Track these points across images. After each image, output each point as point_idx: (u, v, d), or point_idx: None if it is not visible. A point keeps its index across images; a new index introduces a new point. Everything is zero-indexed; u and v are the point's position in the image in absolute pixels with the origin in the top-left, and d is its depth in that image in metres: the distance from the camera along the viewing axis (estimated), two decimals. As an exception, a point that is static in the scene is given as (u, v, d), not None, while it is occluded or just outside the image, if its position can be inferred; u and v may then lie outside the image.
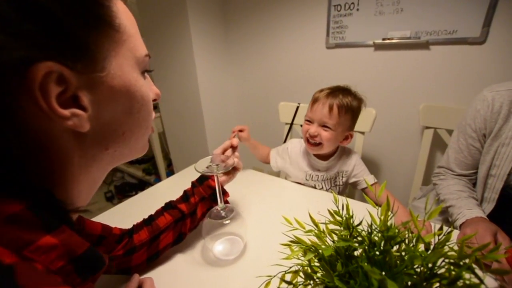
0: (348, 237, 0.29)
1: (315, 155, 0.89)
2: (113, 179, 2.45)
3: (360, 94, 0.81)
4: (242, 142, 0.93)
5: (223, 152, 0.65)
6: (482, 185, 0.68)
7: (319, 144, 0.81)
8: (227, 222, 0.59)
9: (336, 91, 0.79)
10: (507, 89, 0.63)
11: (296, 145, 0.96)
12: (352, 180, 0.90)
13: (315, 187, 0.91)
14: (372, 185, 0.86)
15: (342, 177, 0.90)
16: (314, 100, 0.81)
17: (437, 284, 0.26)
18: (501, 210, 0.66)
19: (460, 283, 0.25)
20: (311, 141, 0.82)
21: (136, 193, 0.91)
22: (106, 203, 2.18)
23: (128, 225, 0.70)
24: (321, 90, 0.81)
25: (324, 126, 0.79)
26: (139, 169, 2.32)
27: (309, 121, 0.82)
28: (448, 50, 0.99)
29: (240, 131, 0.93)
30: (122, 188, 2.27)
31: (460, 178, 0.74)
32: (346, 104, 0.76)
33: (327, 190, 0.92)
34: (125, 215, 0.76)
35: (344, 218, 0.31)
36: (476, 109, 0.67)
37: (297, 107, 1.21)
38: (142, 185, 2.32)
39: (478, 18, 0.90)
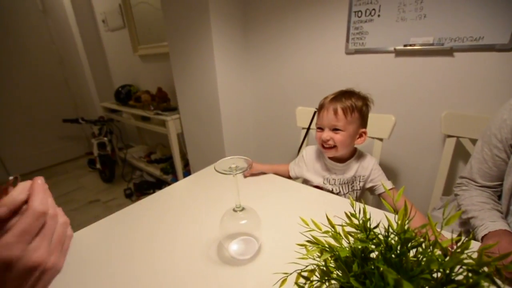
0: (365, 239, 0.30)
1: (331, 158, 0.90)
2: (133, 177, 2.55)
3: (364, 94, 0.85)
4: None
5: None
6: (507, 197, 0.66)
7: (334, 147, 0.84)
8: (243, 222, 0.60)
9: (338, 95, 0.84)
10: None
11: (311, 151, 0.98)
12: (369, 185, 0.90)
13: (332, 191, 0.91)
14: (389, 190, 0.85)
15: (360, 181, 0.90)
16: (320, 108, 0.87)
17: (454, 291, 0.27)
18: None
19: (478, 290, 0.25)
20: (326, 146, 0.85)
21: (154, 191, 0.95)
22: (125, 200, 2.27)
23: (145, 222, 0.74)
24: (326, 98, 0.87)
25: (334, 129, 0.83)
26: (157, 168, 2.40)
27: (320, 128, 0.87)
28: (474, 57, 0.96)
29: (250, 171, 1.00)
30: (140, 186, 2.36)
31: (483, 189, 0.71)
32: (350, 105, 0.81)
33: (344, 194, 0.91)
34: (142, 212, 0.80)
35: (361, 221, 0.32)
36: (503, 118, 0.65)
37: (315, 112, 1.21)
38: (159, 184, 2.39)
39: (507, 24, 0.87)
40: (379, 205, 0.99)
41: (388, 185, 0.86)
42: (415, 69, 1.10)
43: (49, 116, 2.95)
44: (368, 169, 0.89)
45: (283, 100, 1.60)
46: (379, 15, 1.11)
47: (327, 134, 0.84)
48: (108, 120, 2.62)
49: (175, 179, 2.19)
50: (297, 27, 1.38)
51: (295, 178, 1.04)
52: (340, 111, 0.81)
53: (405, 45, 1.08)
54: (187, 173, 2.13)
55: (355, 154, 0.91)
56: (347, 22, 1.20)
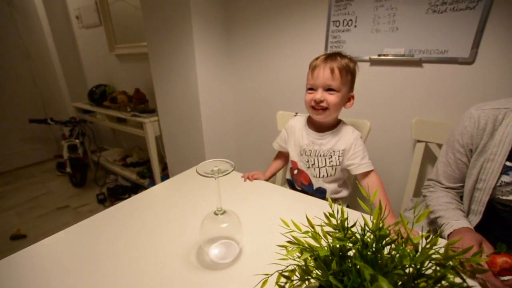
0: (343, 237, 0.31)
1: (312, 128, 0.90)
2: (106, 181, 2.43)
3: (352, 57, 0.83)
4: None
5: None
6: (468, 198, 0.71)
7: (326, 109, 0.81)
8: (224, 225, 0.60)
9: (332, 54, 0.81)
10: (492, 108, 0.66)
11: (295, 121, 0.97)
12: (347, 162, 0.87)
13: (308, 163, 0.90)
14: (368, 172, 0.85)
15: (338, 156, 0.87)
16: (313, 68, 0.81)
17: (424, 284, 0.28)
18: (487, 222, 0.69)
19: (445, 282, 0.27)
20: (317, 107, 0.81)
21: (129, 196, 0.91)
22: (97, 205, 2.15)
23: (119, 229, 0.71)
24: (317, 58, 0.82)
25: (328, 90, 0.79)
26: (133, 172, 2.31)
27: (312, 89, 0.82)
28: (440, 68, 1.04)
29: (254, 177, 0.98)
30: (115, 191, 2.25)
31: (448, 190, 0.77)
32: (346, 64, 0.79)
33: (319, 168, 0.89)
34: (116, 218, 0.77)
35: (339, 220, 0.33)
36: (464, 125, 0.71)
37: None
38: (135, 188, 2.30)
39: (468, 40, 0.95)
40: (357, 207, 1.03)
41: (365, 166, 0.84)
42: (388, 78, 1.17)
43: (13, 116, 2.73)
44: (347, 143, 0.85)
45: (264, 104, 1.62)
46: (355, 26, 1.17)
47: (321, 95, 0.79)
48: (81, 121, 2.48)
49: (152, 183, 2.11)
50: (279, 34, 1.41)
51: (277, 148, 1.05)
52: (336, 70, 0.77)
53: (379, 55, 1.14)
54: (165, 177, 2.07)
55: (337, 126, 0.88)
56: (326, 31, 1.25)
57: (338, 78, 0.78)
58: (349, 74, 0.80)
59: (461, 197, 0.76)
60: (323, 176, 0.91)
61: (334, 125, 0.89)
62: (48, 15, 2.52)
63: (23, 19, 2.65)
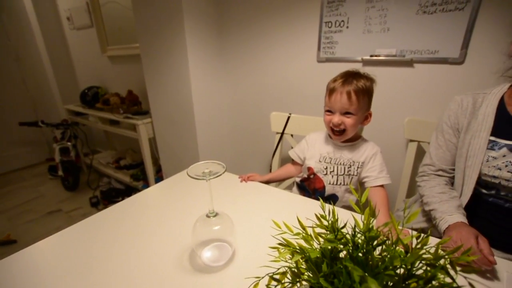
0: (334, 239, 0.31)
1: (333, 139, 0.92)
2: (99, 184, 2.39)
3: (369, 74, 0.85)
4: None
5: None
6: (461, 178, 0.74)
7: (344, 130, 0.85)
8: (216, 227, 0.59)
9: (349, 77, 0.82)
10: (472, 93, 0.76)
11: (315, 134, 1.00)
12: (364, 174, 0.89)
13: (326, 169, 0.91)
14: (380, 186, 0.86)
15: (357, 167, 0.89)
16: (331, 91, 0.84)
17: (415, 285, 0.28)
18: (473, 206, 0.71)
19: (435, 283, 0.27)
20: (336, 129, 0.85)
21: (123, 199, 0.89)
22: (90, 209, 2.12)
23: (112, 232, 0.70)
24: (335, 80, 0.84)
25: (346, 113, 0.82)
26: (127, 175, 2.28)
27: (330, 111, 0.86)
28: (431, 68, 1.06)
29: (250, 178, 0.99)
30: (108, 194, 2.22)
31: (440, 173, 0.79)
32: (362, 87, 0.80)
33: (338, 176, 0.91)
34: (110, 221, 0.75)
35: (330, 221, 0.33)
36: (449, 108, 0.79)
37: (288, 117, 1.24)
38: (129, 191, 2.27)
39: (457, 40, 0.96)
40: (346, 206, 1.03)
41: (382, 180, 0.85)
42: (381, 78, 1.16)
43: (3, 118, 2.68)
44: (367, 156, 0.88)
45: (258, 105, 1.62)
46: (347, 27, 1.17)
47: (338, 119, 0.83)
48: (73, 124, 2.44)
49: (146, 186, 2.09)
50: (272, 35, 1.41)
51: (295, 159, 1.04)
52: (353, 95, 0.79)
53: (371, 56, 1.15)
54: (159, 179, 2.05)
55: (357, 140, 0.91)
56: (319, 32, 1.25)
57: (355, 102, 0.80)
58: (365, 95, 0.82)
59: (452, 184, 0.79)
60: (340, 183, 0.92)
61: (354, 138, 0.92)
62: (38, 16, 2.48)
63: (12, 19, 2.60)
